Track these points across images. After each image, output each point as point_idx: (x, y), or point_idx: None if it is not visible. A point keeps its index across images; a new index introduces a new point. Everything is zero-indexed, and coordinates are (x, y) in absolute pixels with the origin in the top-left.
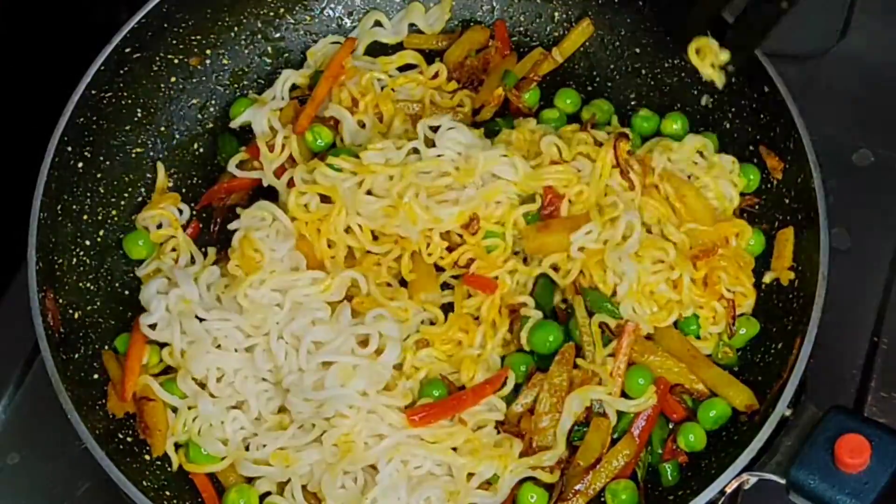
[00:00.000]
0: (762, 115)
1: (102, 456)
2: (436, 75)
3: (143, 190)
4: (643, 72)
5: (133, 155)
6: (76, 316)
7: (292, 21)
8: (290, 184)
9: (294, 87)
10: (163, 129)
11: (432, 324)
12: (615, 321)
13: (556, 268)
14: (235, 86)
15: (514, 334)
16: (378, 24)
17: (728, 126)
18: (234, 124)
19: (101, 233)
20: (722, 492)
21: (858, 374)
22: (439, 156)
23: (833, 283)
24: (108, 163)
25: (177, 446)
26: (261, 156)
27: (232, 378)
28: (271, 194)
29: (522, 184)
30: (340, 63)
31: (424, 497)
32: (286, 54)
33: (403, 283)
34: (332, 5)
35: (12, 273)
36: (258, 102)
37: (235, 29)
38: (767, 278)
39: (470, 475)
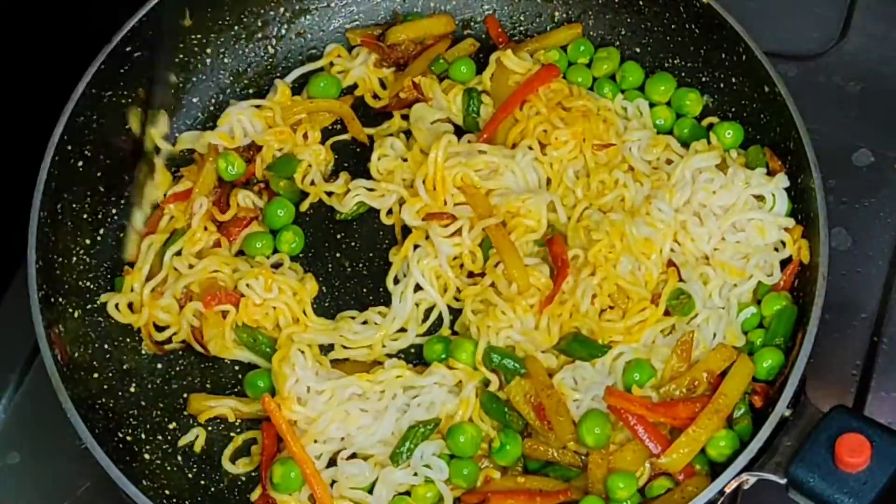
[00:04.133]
0: (762, 115)
1: (102, 456)
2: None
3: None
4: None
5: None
6: (76, 315)
7: (293, 20)
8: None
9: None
10: None
11: None
12: None
13: None
14: (236, 85)
15: None
16: None
17: None
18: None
19: (101, 232)
20: (721, 492)
21: (858, 374)
22: None
23: (833, 283)
24: (108, 162)
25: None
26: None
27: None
28: None
29: None
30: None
31: None
32: (287, 53)
33: None
34: (333, 4)
35: (12, 273)
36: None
37: (236, 28)
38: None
39: None
